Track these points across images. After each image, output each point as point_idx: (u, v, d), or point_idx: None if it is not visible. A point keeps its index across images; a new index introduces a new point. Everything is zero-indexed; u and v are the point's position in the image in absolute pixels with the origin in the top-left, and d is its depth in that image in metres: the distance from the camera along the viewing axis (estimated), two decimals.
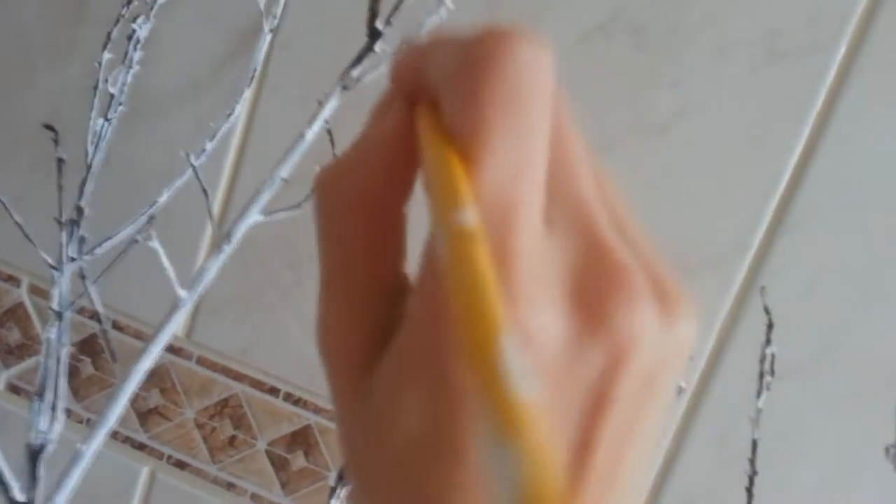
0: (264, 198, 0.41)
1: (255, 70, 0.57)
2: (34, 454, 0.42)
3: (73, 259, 0.45)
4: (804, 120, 0.52)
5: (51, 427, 0.42)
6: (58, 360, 0.42)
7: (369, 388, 0.18)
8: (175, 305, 0.40)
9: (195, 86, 0.59)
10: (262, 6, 0.55)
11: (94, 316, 0.61)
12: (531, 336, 0.16)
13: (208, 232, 0.60)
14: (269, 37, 0.56)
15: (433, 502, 0.16)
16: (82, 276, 0.43)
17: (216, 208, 0.59)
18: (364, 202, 0.19)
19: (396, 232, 0.20)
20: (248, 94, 0.56)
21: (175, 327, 0.41)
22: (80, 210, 0.43)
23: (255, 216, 0.41)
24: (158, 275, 0.50)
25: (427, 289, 0.17)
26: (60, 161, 0.42)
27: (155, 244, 0.39)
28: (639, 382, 0.17)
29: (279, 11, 0.56)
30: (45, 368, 0.43)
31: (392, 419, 0.17)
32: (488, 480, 0.12)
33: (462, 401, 0.16)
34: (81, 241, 0.43)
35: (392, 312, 0.19)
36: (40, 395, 0.43)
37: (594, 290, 0.16)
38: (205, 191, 0.44)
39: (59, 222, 0.43)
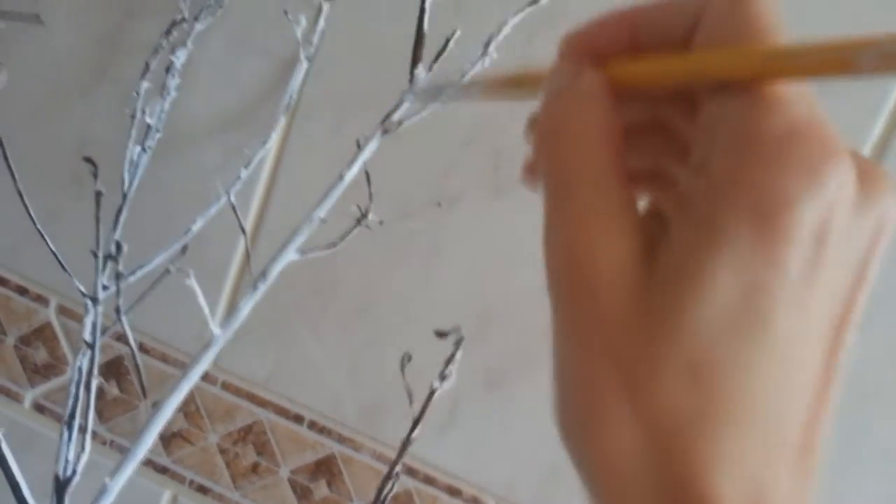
0: (301, 238, 0.40)
1: (291, 98, 0.56)
2: (62, 486, 0.42)
3: (105, 288, 0.45)
4: None
5: (78, 458, 0.42)
6: (88, 390, 0.41)
7: (646, 290, 0.18)
8: (208, 343, 0.40)
9: (229, 112, 0.59)
10: (299, 34, 0.55)
11: (121, 338, 0.61)
12: (841, 185, 0.17)
13: (238, 256, 0.60)
14: (305, 65, 0.56)
15: (746, 378, 0.16)
16: (117, 310, 0.43)
17: (248, 233, 0.59)
18: (599, 133, 0.19)
19: (622, 148, 0.19)
20: (282, 121, 0.56)
21: (207, 365, 0.40)
22: (118, 246, 0.43)
23: (291, 255, 0.41)
24: (186, 298, 0.50)
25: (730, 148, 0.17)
26: (99, 194, 0.42)
27: (192, 283, 0.39)
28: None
29: (316, 39, 0.56)
30: (75, 398, 0.43)
31: (694, 304, 0.17)
32: None
33: (774, 262, 0.16)
34: (118, 276, 0.43)
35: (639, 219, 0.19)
36: (69, 424, 0.43)
37: (869, 169, 0.17)
38: (242, 229, 0.44)
39: (96, 255, 0.43)
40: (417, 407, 0.40)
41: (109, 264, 0.42)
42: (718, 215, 0.17)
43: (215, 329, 0.39)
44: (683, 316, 0.17)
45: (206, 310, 0.39)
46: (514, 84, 0.23)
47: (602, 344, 0.18)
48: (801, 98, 0.17)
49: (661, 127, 0.21)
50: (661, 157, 0.21)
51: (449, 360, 0.41)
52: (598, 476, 0.18)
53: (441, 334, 0.41)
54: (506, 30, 0.41)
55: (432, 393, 0.40)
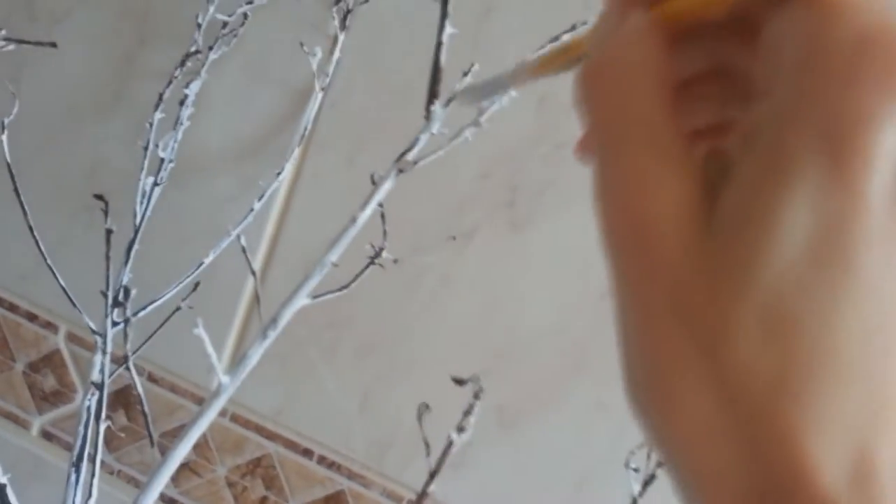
0: (312, 282, 0.40)
1: (305, 129, 0.56)
2: None
3: (116, 324, 0.44)
4: None
5: (86, 502, 0.41)
6: (97, 434, 0.41)
7: (711, 237, 0.16)
8: (216, 392, 0.39)
9: (243, 142, 0.59)
10: (314, 66, 0.54)
11: (124, 364, 0.60)
12: None
13: (249, 290, 0.59)
14: (320, 96, 0.55)
15: (831, 327, 0.15)
16: (125, 357, 0.42)
17: (258, 264, 0.58)
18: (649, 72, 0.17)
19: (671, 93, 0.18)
20: (296, 152, 0.55)
21: (215, 413, 0.40)
22: (126, 291, 0.42)
23: (302, 300, 0.40)
24: (193, 328, 0.49)
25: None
26: (109, 232, 0.41)
27: (200, 332, 0.38)
28: None
29: (331, 70, 0.56)
30: (83, 438, 0.42)
31: (764, 247, 0.15)
32: None
33: (852, 192, 0.15)
34: (126, 321, 0.42)
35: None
36: (76, 466, 0.42)
37: None
38: (253, 272, 0.43)
39: (105, 295, 0.42)
40: (434, 458, 0.39)
41: (119, 305, 0.42)
42: (786, 143, 0.15)
43: (223, 378, 0.39)
44: (753, 262, 0.15)
45: (214, 357, 0.38)
46: (561, 53, 0.22)
47: (666, 302, 0.16)
48: (873, 1, 0.15)
49: (725, 73, 0.20)
50: (726, 107, 0.20)
51: (467, 412, 0.40)
52: (676, 449, 0.16)
53: (459, 382, 0.40)
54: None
55: (450, 445, 0.39)
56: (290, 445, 0.60)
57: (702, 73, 0.20)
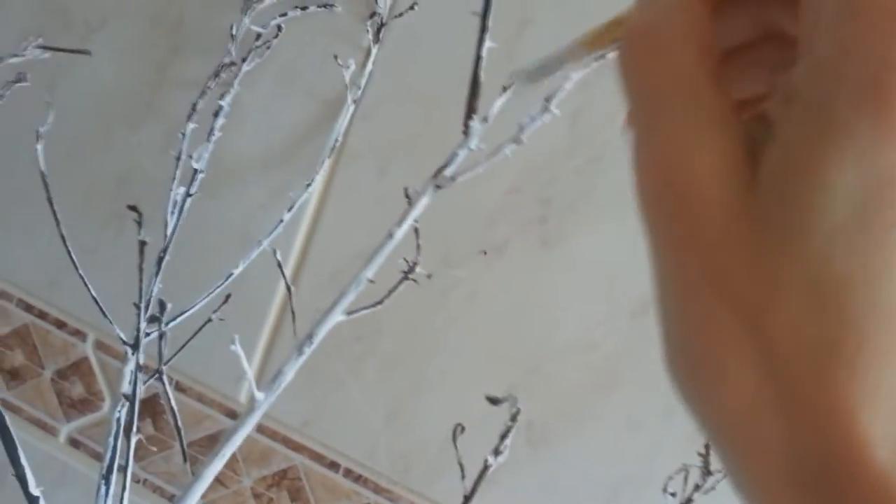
0: (348, 299, 0.39)
1: (336, 140, 0.56)
2: None
3: (147, 334, 0.44)
4: None
5: None
6: (128, 447, 0.41)
7: (753, 200, 0.15)
8: (251, 408, 0.39)
9: (274, 152, 0.58)
10: (346, 77, 0.54)
11: (155, 374, 0.60)
12: None
13: (277, 300, 0.59)
14: (352, 107, 0.55)
15: (884, 293, 0.14)
16: (157, 371, 0.42)
17: (287, 275, 0.58)
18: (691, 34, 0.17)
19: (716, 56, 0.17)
20: (327, 163, 0.55)
21: (250, 429, 0.39)
22: (163, 305, 0.42)
23: (337, 316, 0.40)
24: (223, 339, 0.49)
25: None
26: (143, 244, 0.41)
27: (237, 349, 0.38)
28: None
29: (363, 82, 0.55)
30: (113, 450, 0.42)
31: (809, 209, 0.14)
32: None
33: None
34: (161, 335, 0.42)
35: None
36: (106, 478, 0.42)
37: None
38: (288, 287, 0.43)
39: (138, 306, 0.42)
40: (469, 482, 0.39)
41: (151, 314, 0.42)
42: (828, 97, 0.14)
43: (258, 394, 0.38)
44: (799, 224, 0.14)
45: (251, 374, 0.38)
46: (614, 26, 0.21)
47: (707, 268, 0.15)
48: None
49: (771, 41, 0.19)
50: (773, 75, 0.19)
51: (504, 435, 0.39)
52: (721, 426, 0.15)
53: (494, 401, 0.39)
54: (568, 85, 0.40)
55: (486, 468, 0.39)
56: (317, 458, 0.59)
57: (747, 42, 0.19)
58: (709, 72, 0.16)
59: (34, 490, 0.39)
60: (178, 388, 0.61)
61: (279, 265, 0.43)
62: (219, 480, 0.61)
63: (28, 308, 0.64)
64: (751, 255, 0.15)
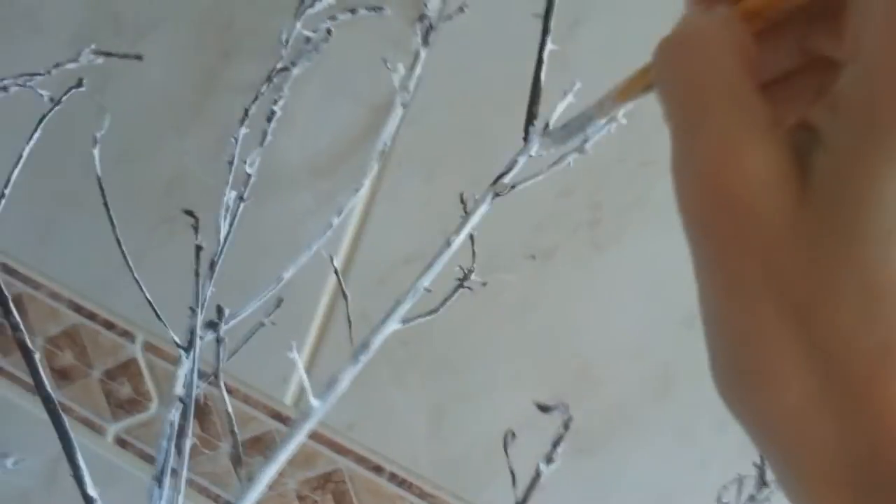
0: (405, 307, 0.39)
1: (384, 145, 0.55)
2: None
3: (200, 338, 0.44)
4: None
5: None
6: (180, 452, 0.41)
7: (804, 207, 0.15)
8: (306, 414, 0.39)
9: (322, 157, 0.59)
10: (396, 82, 0.54)
11: (203, 376, 0.61)
12: None
13: (324, 303, 0.59)
14: (400, 111, 0.55)
15: None
16: (214, 374, 0.42)
17: (334, 278, 0.58)
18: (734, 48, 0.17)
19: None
20: (375, 168, 0.55)
21: (304, 437, 0.39)
22: (220, 311, 0.42)
23: (394, 325, 0.39)
24: (271, 341, 0.49)
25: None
26: (199, 249, 0.41)
27: (294, 356, 0.38)
28: None
29: (412, 86, 0.55)
30: (165, 453, 0.43)
31: (861, 215, 0.14)
32: None
33: None
34: (218, 341, 0.42)
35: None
36: (159, 481, 0.42)
37: None
38: (345, 294, 0.43)
39: (194, 310, 0.42)
40: (520, 490, 0.38)
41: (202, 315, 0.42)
42: (879, 102, 0.14)
43: (313, 401, 0.38)
44: (852, 231, 0.14)
45: (306, 380, 0.38)
46: (644, 74, 0.21)
47: (760, 272, 0.15)
48: None
49: (814, 69, 0.19)
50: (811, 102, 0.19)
51: (556, 443, 0.39)
52: (773, 433, 0.15)
53: (544, 408, 0.39)
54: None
55: (537, 476, 0.38)
56: (361, 461, 0.59)
57: (785, 73, 0.19)
58: (752, 81, 0.16)
59: (91, 491, 0.40)
60: (226, 390, 0.61)
61: (336, 272, 0.43)
62: None
63: (78, 309, 0.65)
64: (806, 259, 0.15)
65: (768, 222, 0.15)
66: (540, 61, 0.38)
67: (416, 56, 0.55)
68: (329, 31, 0.54)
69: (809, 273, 0.15)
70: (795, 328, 0.15)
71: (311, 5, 0.52)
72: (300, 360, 0.50)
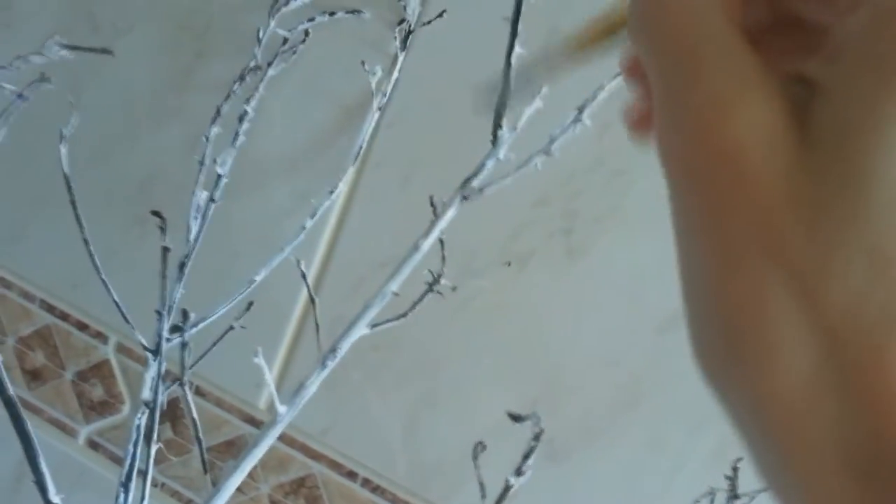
0: (372, 312, 0.39)
1: (360, 147, 0.55)
2: None
3: (168, 340, 0.44)
4: None
5: None
6: (148, 455, 0.40)
7: (804, 164, 0.14)
8: (273, 421, 0.39)
9: (297, 158, 0.58)
10: (373, 83, 0.53)
11: (176, 380, 0.60)
12: None
13: (298, 307, 0.58)
14: (377, 114, 0.55)
15: None
16: (177, 380, 0.42)
17: (309, 282, 0.58)
18: None
19: None
20: (351, 171, 0.55)
21: (271, 442, 0.39)
22: (185, 314, 0.41)
23: (361, 330, 0.39)
24: (243, 344, 0.49)
25: None
26: (166, 250, 0.41)
27: (261, 362, 0.38)
28: None
29: (389, 90, 0.55)
30: (132, 457, 0.42)
31: (867, 174, 0.13)
32: None
33: None
34: (183, 345, 0.42)
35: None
36: (125, 485, 0.42)
37: None
38: (312, 299, 0.43)
39: (160, 314, 0.42)
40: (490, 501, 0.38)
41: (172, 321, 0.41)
42: (881, 49, 0.13)
43: (280, 408, 0.38)
44: (858, 186, 0.13)
45: (273, 387, 0.38)
46: (602, 25, 0.19)
47: (756, 237, 0.14)
48: None
49: (792, 27, 0.18)
50: (794, 61, 0.18)
51: (527, 455, 0.38)
52: (766, 413, 0.14)
53: (515, 418, 0.38)
54: (602, 94, 0.39)
55: (507, 489, 0.38)
56: (335, 466, 0.59)
57: (766, 28, 0.18)
58: (740, 31, 0.15)
59: (54, 497, 0.39)
60: (198, 392, 0.61)
61: (303, 276, 0.43)
62: (237, 487, 0.61)
63: (50, 309, 0.64)
64: (808, 222, 0.14)
65: (767, 182, 0.14)
66: (508, 65, 0.37)
67: (395, 60, 0.55)
68: (307, 33, 0.54)
69: (812, 237, 0.14)
70: (796, 297, 0.14)
71: (286, 3, 0.52)
72: (270, 366, 0.49)
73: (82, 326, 0.63)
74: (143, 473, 0.45)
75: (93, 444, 0.64)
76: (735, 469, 0.42)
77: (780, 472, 0.14)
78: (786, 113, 0.15)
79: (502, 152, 0.39)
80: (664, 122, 0.16)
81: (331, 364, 0.38)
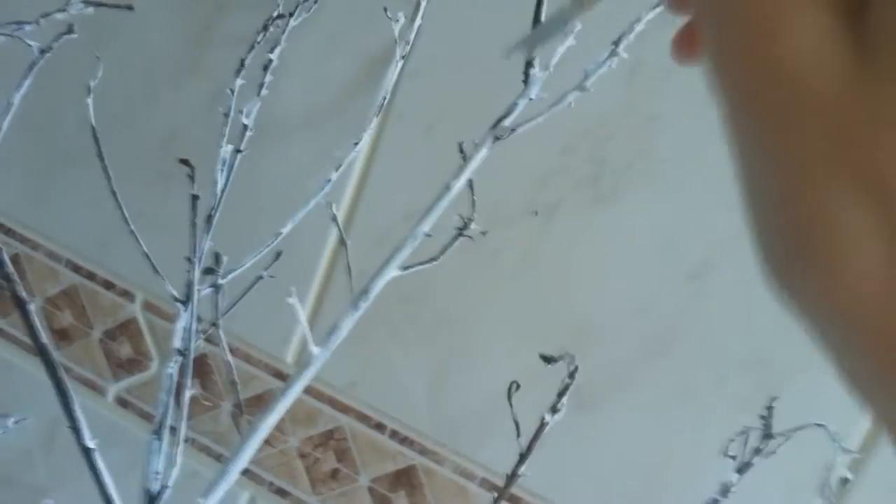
0: (404, 253, 0.38)
1: (384, 98, 0.54)
2: (152, 500, 0.41)
3: (199, 290, 0.44)
4: None
5: (168, 472, 0.41)
6: (179, 404, 0.40)
7: (863, 63, 0.14)
8: (306, 362, 0.39)
9: (321, 110, 0.58)
10: (395, 32, 0.53)
11: (211, 328, 0.60)
12: None
13: (325, 257, 0.58)
14: (400, 63, 0.54)
15: None
16: (213, 324, 0.42)
17: (335, 233, 0.57)
18: None
19: None
20: (374, 121, 0.54)
21: (305, 384, 0.39)
22: (218, 258, 0.41)
23: (393, 271, 0.39)
24: (272, 299, 0.49)
25: None
26: (195, 198, 0.41)
27: (294, 301, 0.38)
28: None
29: (412, 38, 0.54)
30: (165, 406, 0.42)
31: None
32: None
33: None
34: (217, 288, 0.42)
35: None
36: (158, 434, 0.42)
37: None
38: (343, 241, 0.42)
39: (191, 260, 0.42)
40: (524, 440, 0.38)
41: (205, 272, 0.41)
42: None
43: (314, 349, 0.38)
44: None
45: (307, 327, 0.38)
46: None
47: (823, 144, 0.14)
48: None
49: None
50: None
51: (562, 392, 0.38)
52: (843, 316, 0.14)
53: (548, 359, 0.38)
54: (639, 27, 0.38)
55: (542, 426, 0.38)
56: (363, 419, 0.59)
57: None
58: None
59: (89, 442, 0.39)
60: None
61: (334, 218, 0.42)
62: (265, 440, 0.61)
63: (76, 269, 0.64)
64: (872, 123, 0.14)
65: (830, 85, 0.14)
66: (540, 2, 0.37)
67: (417, 6, 0.54)
68: None
69: (880, 137, 0.14)
70: (870, 200, 0.14)
71: None
72: (301, 310, 0.49)
73: (109, 285, 0.64)
74: (173, 427, 0.45)
75: (122, 402, 0.65)
76: (769, 408, 0.41)
77: (863, 370, 0.15)
78: (842, 18, 0.14)
79: (534, 91, 0.38)
80: (716, 39, 0.16)
81: (363, 306, 0.38)
